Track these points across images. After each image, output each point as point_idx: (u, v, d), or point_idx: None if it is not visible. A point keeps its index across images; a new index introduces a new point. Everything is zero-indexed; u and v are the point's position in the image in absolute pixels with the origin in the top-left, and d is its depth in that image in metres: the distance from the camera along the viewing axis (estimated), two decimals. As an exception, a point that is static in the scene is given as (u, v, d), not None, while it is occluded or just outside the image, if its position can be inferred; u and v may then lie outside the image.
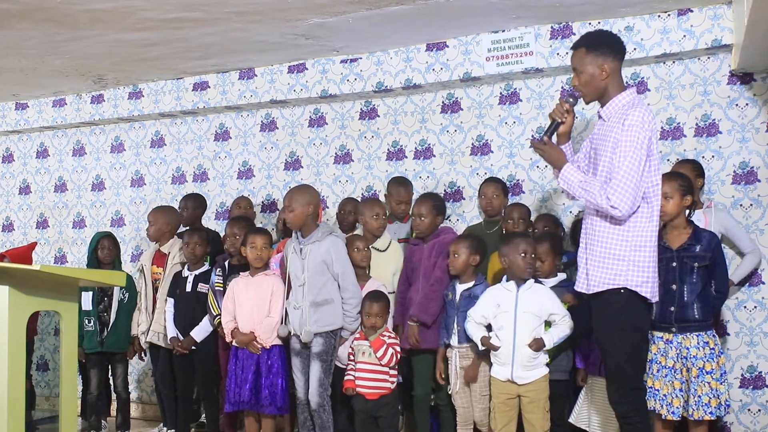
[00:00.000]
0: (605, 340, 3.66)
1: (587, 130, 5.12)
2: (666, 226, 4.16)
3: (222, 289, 5.17)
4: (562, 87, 5.42)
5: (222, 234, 5.66)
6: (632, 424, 3.65)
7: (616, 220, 3.58)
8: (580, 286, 3.76)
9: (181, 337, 5.32)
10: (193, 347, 5.31)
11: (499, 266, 4.63)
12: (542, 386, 4.24)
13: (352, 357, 4.70)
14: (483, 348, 4.38)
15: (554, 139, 3.85)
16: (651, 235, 3.60)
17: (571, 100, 3.77)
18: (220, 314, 5.12)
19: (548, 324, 4.26)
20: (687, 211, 4.13)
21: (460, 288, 4.58)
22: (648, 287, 3.60)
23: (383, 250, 5.07)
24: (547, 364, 4.27)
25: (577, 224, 4.88)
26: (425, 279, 4.76)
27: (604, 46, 3.67)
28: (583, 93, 3.71)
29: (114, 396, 5.99)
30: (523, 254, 4.26)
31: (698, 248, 4.04)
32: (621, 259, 3.58)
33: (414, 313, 4.66)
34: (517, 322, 4.23)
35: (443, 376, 4.62)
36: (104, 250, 5.83)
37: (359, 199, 5.69)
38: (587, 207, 3.73)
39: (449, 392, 4.65)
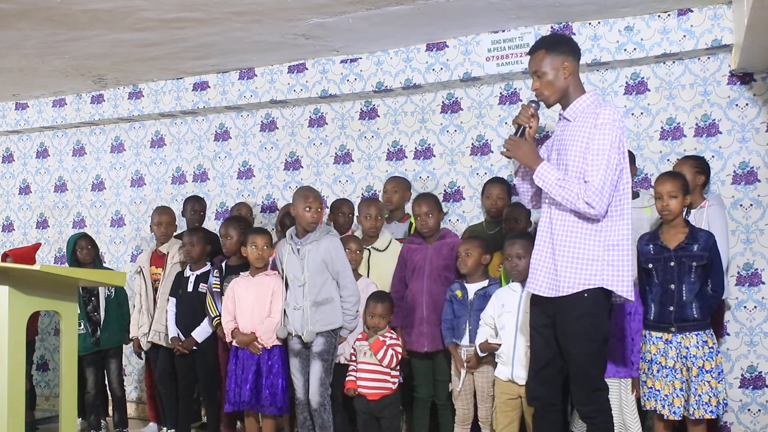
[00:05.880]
0: (569, 343, 3.59)
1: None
2: (662, 225, 4.17)
3: (219, 290, 5.17)
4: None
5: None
6: (595, 425, 3.65)
7: (588, 221, 3.52)
8: (542, 289, 3.63)
9: (183, 337, 5.33)
10: (194, 347, 5.31)
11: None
12: (543, 388, 4.24)
13: (353, 357, 4.71)
14: (483, 354, 4.41)
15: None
16: (624, 234, 3.55)
17: (534, 105, 3.73)
18: (218, 316, 5.12)
19: None
20: (684, 211, 4.15)
21: (473, 288, 4.58)
22: (623, 286, 3.54)
23: (382, 250, 5.08)
24: None
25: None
26: (432, 280, 4.75)
27: (563, 45, 3.68)
28: (546, 96, 3.67)
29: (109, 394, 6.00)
30: (507, 257, 4.33)
31: (696, 248, 4.05)
32: (595, 260, 3.51)
33: None
34: (519, 322, 4.25)
35: (461, 368, 4.58)
36: (83, 251, 5.82)
37: (351, 200, 5.69)
38: (550, 206, 3.65)
39: (450, 391, 4.66)
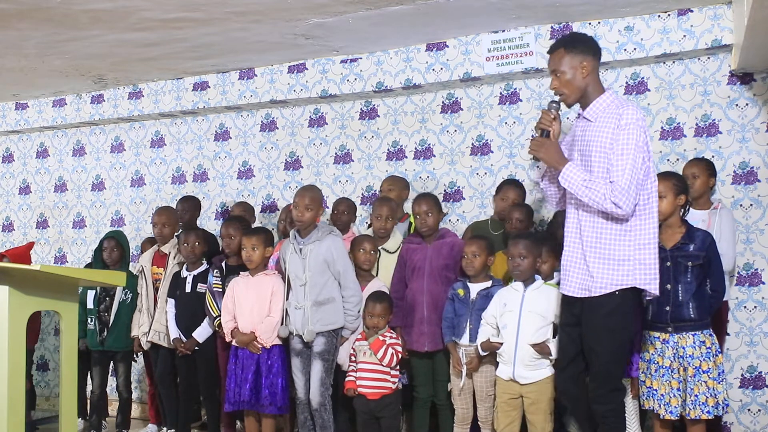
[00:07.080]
0: (594, 340, 3.66)
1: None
2: (660, 225, 4.15)
3: (221, 290, 5.16)
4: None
5: (218, 235, 5.66)
6: (608, 425, 3.70)
7: (618, 221, 3.58)
8: (574, 290, 3.69)
9: (184, 338, 5.32)
10: (195, 347, 5.31)
11: (504, 267, 4.65)
12: (545, 387, 4.23)
13: (353, 357, 4.71)
14: (485, 353, 4.41)
15: None
16: (653, 232, 3.62)
17: (554, 106, 3.77)
18: (219, 315, 5.12)
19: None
20: (681, 211, 4.13)
21: (476, 287, 4.57)
22: (655, 284, 3.63)
23: (393, 252, 5.05)
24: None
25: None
26: (432, 280, 4.74)
27: (582, 44, 3.72)
28: (565, 95, 3.71)
29: (115, 395, 5.99)
30: (510, 257, 4.32)
31: (692, 247, 4.04)
32: (627, 260, 3.58)
33: None
34: (521, 322, 4.25)
35: (459, 368, 4.55)
36: (105, 252, 5.83)
37: (352, 199, 5.68)
38: (577, 207, 3.69)
39: (449, 390, 4.66)
